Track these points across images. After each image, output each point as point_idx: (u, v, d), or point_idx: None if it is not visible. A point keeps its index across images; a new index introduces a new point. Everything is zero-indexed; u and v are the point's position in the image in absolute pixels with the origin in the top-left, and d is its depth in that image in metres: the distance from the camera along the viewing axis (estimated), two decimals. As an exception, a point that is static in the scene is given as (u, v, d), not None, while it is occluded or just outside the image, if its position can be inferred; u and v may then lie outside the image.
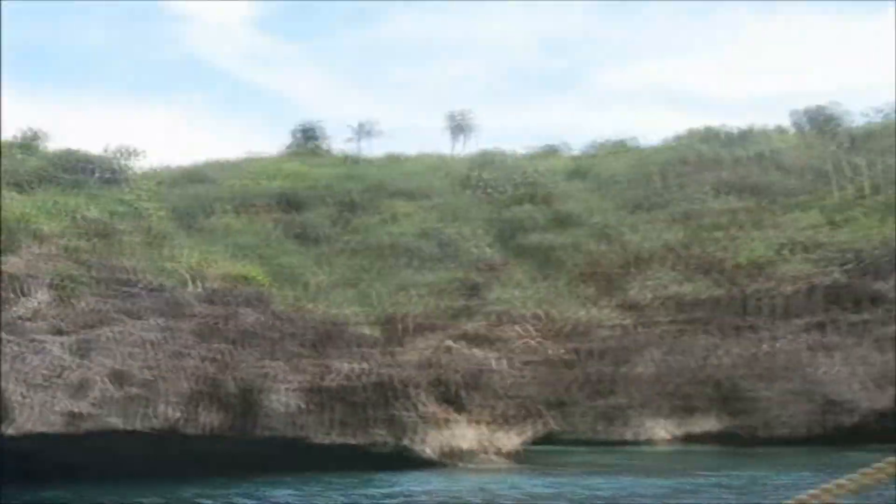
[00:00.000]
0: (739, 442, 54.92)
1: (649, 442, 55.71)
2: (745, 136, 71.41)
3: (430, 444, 43.71)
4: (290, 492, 34.19)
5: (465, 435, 44.71)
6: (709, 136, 70.73)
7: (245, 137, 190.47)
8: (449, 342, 55.06)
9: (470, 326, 58.74)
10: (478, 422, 45.56)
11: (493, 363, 51.97)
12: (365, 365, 45.05)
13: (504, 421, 46.62)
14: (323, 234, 63.79)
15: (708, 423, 56.73)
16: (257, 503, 30.91)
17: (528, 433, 47.71)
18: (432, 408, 44.62)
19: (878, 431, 53.83)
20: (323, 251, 62.53)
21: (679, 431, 56.66)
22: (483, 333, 58.46)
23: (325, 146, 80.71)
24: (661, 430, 56.62)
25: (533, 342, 58.42)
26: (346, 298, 57.09)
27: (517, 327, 58.94)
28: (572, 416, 54.37)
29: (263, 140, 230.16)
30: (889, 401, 55.08)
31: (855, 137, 69.10)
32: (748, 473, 38.75)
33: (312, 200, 66.00)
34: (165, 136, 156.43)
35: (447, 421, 44.64)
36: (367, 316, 55.57)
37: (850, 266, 58.37)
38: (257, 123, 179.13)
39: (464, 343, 55.50)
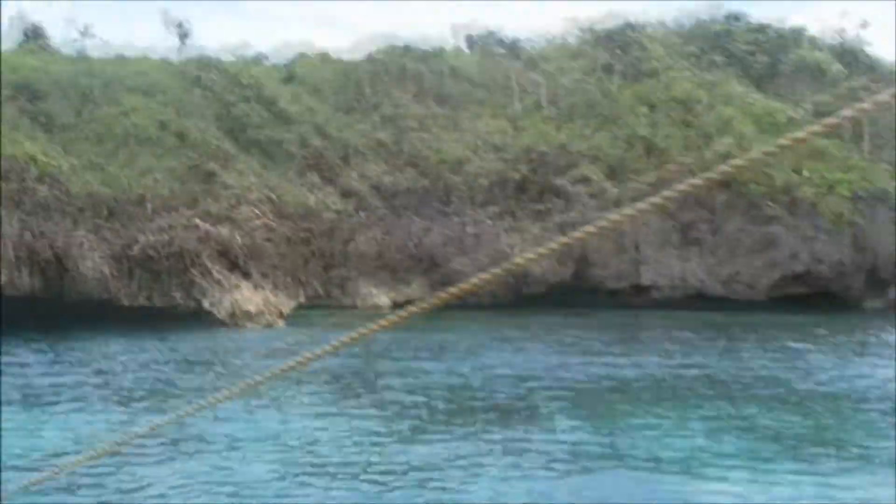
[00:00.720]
0: (446, 307, 59.68)
1: (375, 306, 59.61)
2: (438, 53, 75.59)
3: (221, 306, 45.79)
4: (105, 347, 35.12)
5: (250, 299, 46.96)
6: (407, 52, 74.35)
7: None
8: (197, 220, 56.60)
9: (212, 207, 60.19)
10: (261, 287, 47.90)
11: (239, 239, 54.19)
12: (164, 236, 46.45)
13: (280, 286, 49.22)
14: (68, 123, 62.82)
15: (421, 291, 61.12)
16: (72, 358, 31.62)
17: (298, 298, 50.62)
18: (223, 274, 46.65)
19: (559, 299, 60.33)
20: (69, 138, 61.78)
21: (398, 298, 60.90)
22: (224, 214, 60.14)
23: (52, 45, 78.20)
24: (383, 296, 60.61)
25: (269, 222, 60.74)
26: (98, 180, 57.26)
27: (254, 209, 61.00)
28: (313, 285, 57.41)
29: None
30: (567, 275, 61.57)
31: (531, 58, 74.81)
32: (448, 335, 42.70)
33: (53, 92, 64.61)
34: None
35: (236, 286, 46.76)
36: (117, 196, 56.00)
37: (534, 164, 64.20)
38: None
39: (208, 222, 57.21)
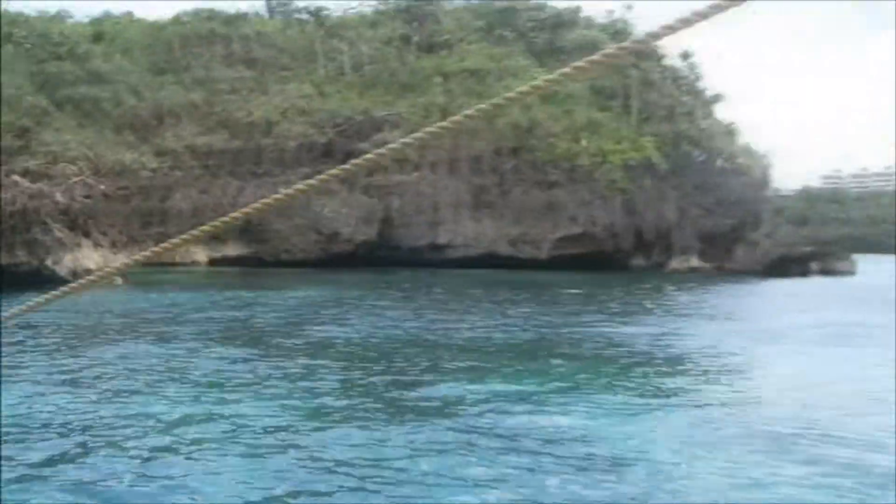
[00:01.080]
0: (261, 264, 62.32)
1: (194, 263, 61.49)
2: (242, 17, 76.79)
3: (64, 264, 46.99)
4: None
5: (90, 257, 48.35)
6: (213, 15, 75.28)
7: None
8: (15, 177, 56.84)
9: (30, 164, 60.32)
10: (100, 245, 49.30)
11: (59, 196, 55.00)
12: (7, 194, 47.26)
13: (118, 245, 50.67)
14: None
15: (237, 249, 63.47)
16: None
17: (134, 256, 51.99)
18: (64, 233, 47.79)
19: (365, 257, 63.85)
20: None
21: (214, 255, 62.95)
22: (41, 171, 60.36)
23: None
24: (201, 254, 62.57)
25: (87, 180, 61.40)
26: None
27: (71, 166, 61.47)
28: (146, 243, 58.64)
29: None
30: (372, 234, 65.06)
31: (333, 25, 77.16)
32: (293, 293, 44.77)
33: None
34: None
35: (77, 245, 48.04)
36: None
37: (340, 128, 67.12)
38: None
39: (26, 178, 57.49)
